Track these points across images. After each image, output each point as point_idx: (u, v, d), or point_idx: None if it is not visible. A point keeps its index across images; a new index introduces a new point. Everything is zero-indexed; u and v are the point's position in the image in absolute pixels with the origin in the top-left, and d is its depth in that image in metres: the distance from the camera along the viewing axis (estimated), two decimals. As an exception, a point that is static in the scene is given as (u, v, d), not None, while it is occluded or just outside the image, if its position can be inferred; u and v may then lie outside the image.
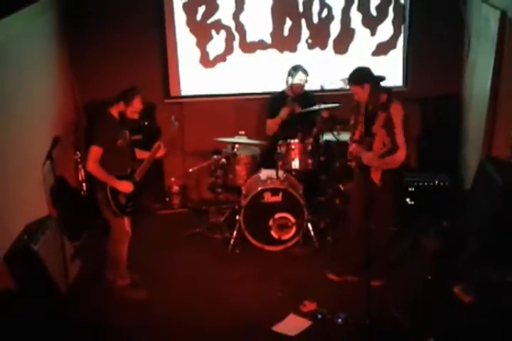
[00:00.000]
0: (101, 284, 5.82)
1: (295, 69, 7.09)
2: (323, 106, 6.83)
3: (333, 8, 7.65)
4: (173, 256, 6.56)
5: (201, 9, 7.62)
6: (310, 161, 6.82)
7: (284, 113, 7.07)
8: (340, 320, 5.28)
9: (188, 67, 7.78)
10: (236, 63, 7.79)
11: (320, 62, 7.71)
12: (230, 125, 7.57)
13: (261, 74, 7.80)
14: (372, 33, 7.76)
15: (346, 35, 7.75)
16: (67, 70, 7.43)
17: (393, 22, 7.72)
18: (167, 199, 7.80)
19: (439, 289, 5.55)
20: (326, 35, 7.74)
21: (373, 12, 7.71)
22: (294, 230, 6.59)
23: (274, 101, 7.29)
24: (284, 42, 7.75)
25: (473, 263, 5.47)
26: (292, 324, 5.31)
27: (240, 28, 7.68)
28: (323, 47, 7.76)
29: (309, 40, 7.74)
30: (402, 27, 7.74)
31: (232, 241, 6.60)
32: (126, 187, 5.51)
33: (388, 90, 5.54)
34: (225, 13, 7.63)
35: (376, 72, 5.59)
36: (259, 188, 6.55)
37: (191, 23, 7.66)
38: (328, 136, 6.94)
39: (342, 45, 7.78)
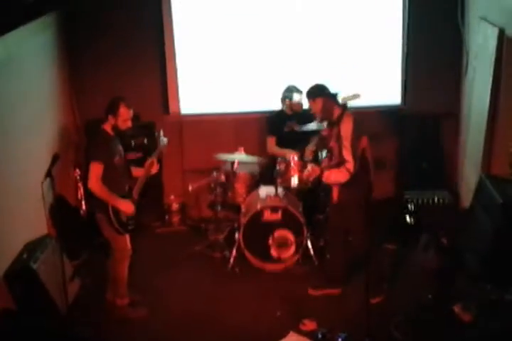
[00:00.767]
0: (100, 303, 5.81)
1: (289, 90, 7.16)
2: (324, 124, 6.82)
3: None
4: (172, 274, 6.54)
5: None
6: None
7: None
8: (340, 340, 5.25)
9: (187, 84, 7.80)
10: (235, 81, 7.80)
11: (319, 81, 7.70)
12: (229, 143, 7.57)
13: (260, 92, 7.81)
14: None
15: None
16: (66, 88, 7.46)
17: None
18: (166, 217, 7.79)
19: (439, 307, 5.53)
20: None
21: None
22: (293, 248, 6.57)
23: (273, 120, 7.33)
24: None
25: (473, 281, 5.45)
26: (292, 343, 5.28)
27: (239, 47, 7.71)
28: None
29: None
30: (401, 45, 7.76)
31: (231, 260, 6.60)
32: (128, 207, 5.51)
33: (343, 106, 5.65)
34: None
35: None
36: (259, 206, 6.55)
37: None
38: (326, 154, 6.93)
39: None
